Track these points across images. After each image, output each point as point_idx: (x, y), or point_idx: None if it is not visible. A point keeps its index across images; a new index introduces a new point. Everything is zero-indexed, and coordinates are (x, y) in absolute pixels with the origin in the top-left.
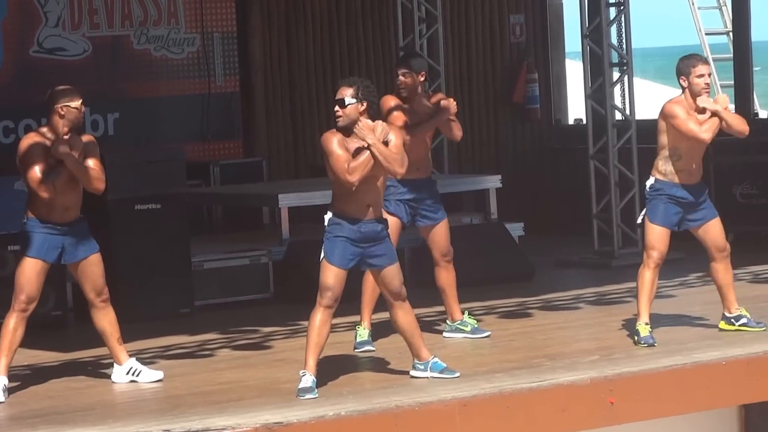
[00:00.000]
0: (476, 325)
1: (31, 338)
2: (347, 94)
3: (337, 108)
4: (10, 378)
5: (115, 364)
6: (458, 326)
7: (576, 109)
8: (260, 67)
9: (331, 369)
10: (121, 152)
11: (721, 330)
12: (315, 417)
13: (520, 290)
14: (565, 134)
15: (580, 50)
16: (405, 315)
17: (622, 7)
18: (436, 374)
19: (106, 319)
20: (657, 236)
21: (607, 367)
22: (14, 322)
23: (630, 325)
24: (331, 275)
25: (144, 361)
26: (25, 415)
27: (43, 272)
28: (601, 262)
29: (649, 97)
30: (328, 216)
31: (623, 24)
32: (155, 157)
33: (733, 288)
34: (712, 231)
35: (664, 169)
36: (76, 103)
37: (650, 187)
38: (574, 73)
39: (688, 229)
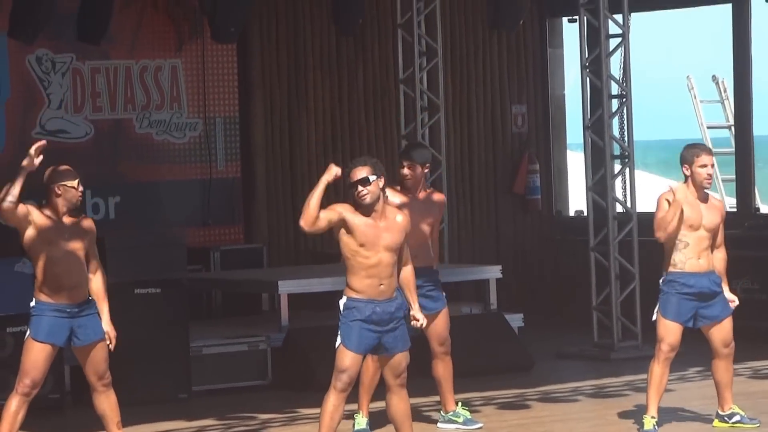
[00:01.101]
0: (469, 417)
1: (29, 421)
2: (368, 171)
3: (360, 188)
4: None
5: None
6: (451, 417)
7: (577, 200)
8: (261, 152)
9: None
10: (121, 236)
11: (715, 427)
12: None
13: (518, 381)
14: (566, 226)
15: (582, 141)
16: (401, 402)
17: (624, 100)
18: None
19: (106, 403)
20: (668, 329)
21: None
22: (16, 405)
23: (628, 419)
24: (348, 359)
25: None
26: None
27: (50, 356)
28: (601, 354)
29: (650, 190)
30: (343, 301)
31: (625, 116)
32: (156, 242)
33: (731, 387)
34: (723, 328)
35: (674, 259)
36: (73, 182)
37: (663, 281)
38: (576, 165)
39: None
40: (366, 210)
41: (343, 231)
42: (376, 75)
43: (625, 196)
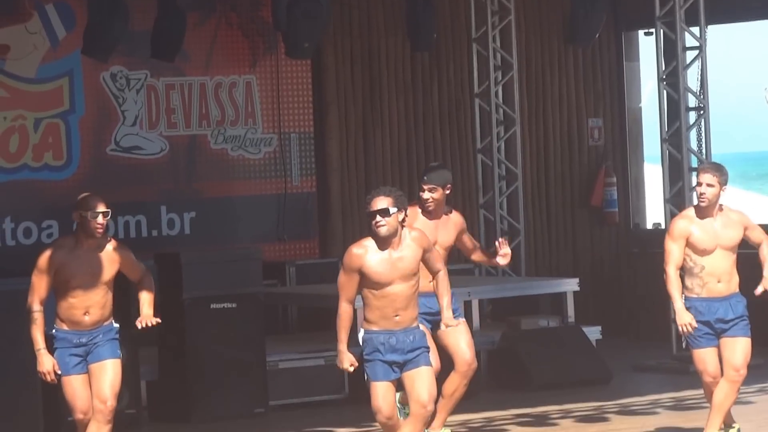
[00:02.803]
0: None
1: None
2: (390, 203)
3: (379, 218)
4: None
5: None
6: None
7: (655, 213)
8: (337, 167)
9: None
10: (197, 251)
11: None
12: None
13: (597, 394)
14: (644, 238)
15: (660, 154)
16: (414, 428)
17: (701, 112)
18: None
19: None
20: (703, 360)
21: None
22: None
23: None
24: (379, 395)
25: None
26: None
27: (84, 382)
28: (680, 367)
29: (729, 202)
30: (360, 334)
31: (703, 129)
32: (231, 257)
33: (723, 413)
34: (735, 347)
35: (689, 283)
36: (86, 213)
37: None
38: (653, 177)
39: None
40: (381, 241)
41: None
42: (451, 89)
43: None
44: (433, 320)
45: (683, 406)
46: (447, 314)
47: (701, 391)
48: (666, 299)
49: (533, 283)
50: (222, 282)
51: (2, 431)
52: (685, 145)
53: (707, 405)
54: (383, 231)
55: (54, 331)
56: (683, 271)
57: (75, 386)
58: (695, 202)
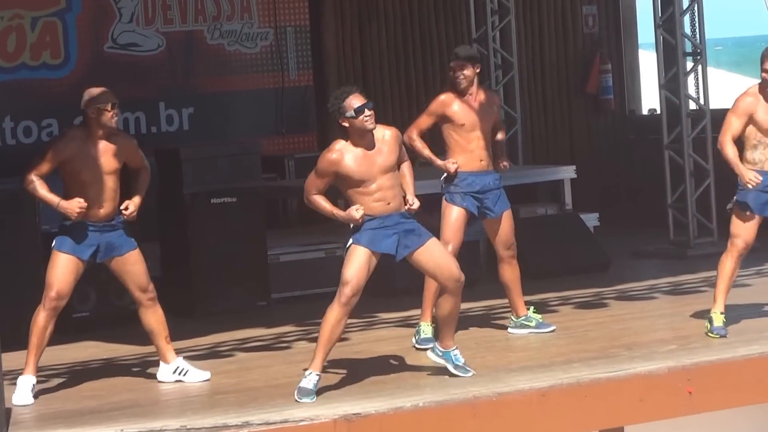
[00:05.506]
0: (541, 320)
1: (110, 332)
2: (366, 98)
3: (368, 111)
4: (93, 373)
5: (161, 363)
6: (523, 322)
7: (650, 99)
8: (333, 60)
9: (408, 360)
10: (196, 147)
11: None
12: (393, 408)
13: (595, 280)
14: (640, 124)
15: (654, 40)
16: (453, 303)
17: None
18: (450, 367)
19: (154, 318)
20: (744, 225)
21: (684, 356)
22: (44, 320)
23: (706, 315)
24: (355, 264)
25: (221, 354)
26: (104, 408)
27: (75, 269)
28: (677, 252)
29: (723, 87)
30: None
31: (696, 13)
32: (230, 151)
33: None
34: None
35: (752, 157)
36: (106, 105)
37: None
38: (648, 64)
39: None
40: (364, 137)
41: (337, 179)
42: None
43: (698, 93)
44: (477, 200)
45: (681, 290)
46: (410, 193)
47: (698, 275)
48: (661, 185)
49: (531, 172)
50: (222, 177)
51: (11, 325)
52: (679, 30)
53: (705, 289)
54: (371, 124)
55: (63, 220)
56: (746, 146)
57: (62, 264)
58: (690, 89)
